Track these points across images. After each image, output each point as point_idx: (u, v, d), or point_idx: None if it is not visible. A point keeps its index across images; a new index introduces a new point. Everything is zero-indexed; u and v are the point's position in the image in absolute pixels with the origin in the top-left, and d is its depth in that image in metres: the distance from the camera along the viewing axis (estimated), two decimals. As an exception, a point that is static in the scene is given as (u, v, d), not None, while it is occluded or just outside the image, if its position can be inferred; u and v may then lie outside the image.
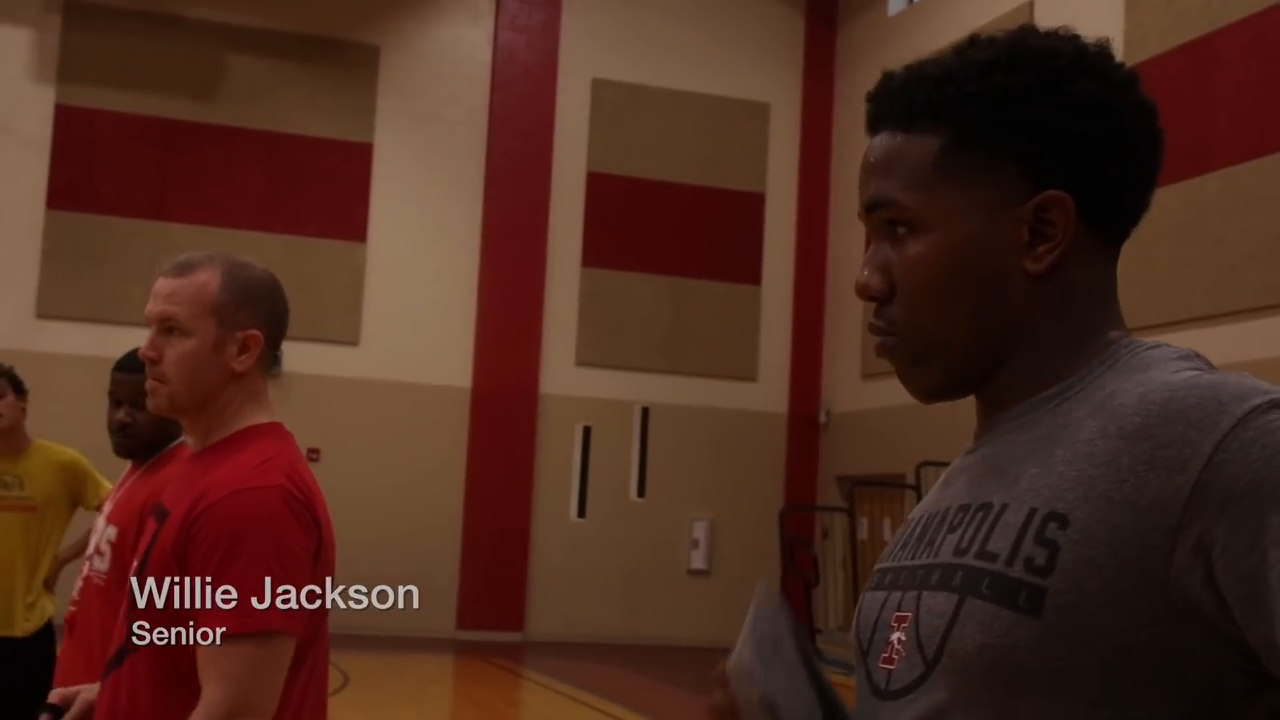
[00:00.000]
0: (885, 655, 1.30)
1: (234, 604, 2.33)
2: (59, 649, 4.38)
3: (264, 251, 17.36)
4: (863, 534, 17.54)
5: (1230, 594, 1.08)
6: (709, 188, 20.22)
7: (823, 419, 20.47)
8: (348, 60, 19.10)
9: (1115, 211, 1.32)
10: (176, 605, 2.39)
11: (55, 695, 2.72)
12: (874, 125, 1.41)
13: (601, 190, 19.86)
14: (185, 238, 17.62)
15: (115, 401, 4.07)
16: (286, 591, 2.37)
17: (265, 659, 2.37)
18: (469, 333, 19.20)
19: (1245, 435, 1.10)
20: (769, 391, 20.45)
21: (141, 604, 2.43)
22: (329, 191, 18.84)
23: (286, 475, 2.50)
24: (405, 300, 18.20)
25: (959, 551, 1.25)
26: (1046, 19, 15.17)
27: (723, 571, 19.80)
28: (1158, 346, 1.30)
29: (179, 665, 2.41)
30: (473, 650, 17.26)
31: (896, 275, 1.35)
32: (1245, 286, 12.60)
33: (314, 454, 16.48)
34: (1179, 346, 1.30)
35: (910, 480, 15.11)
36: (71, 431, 5.21)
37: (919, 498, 13.54)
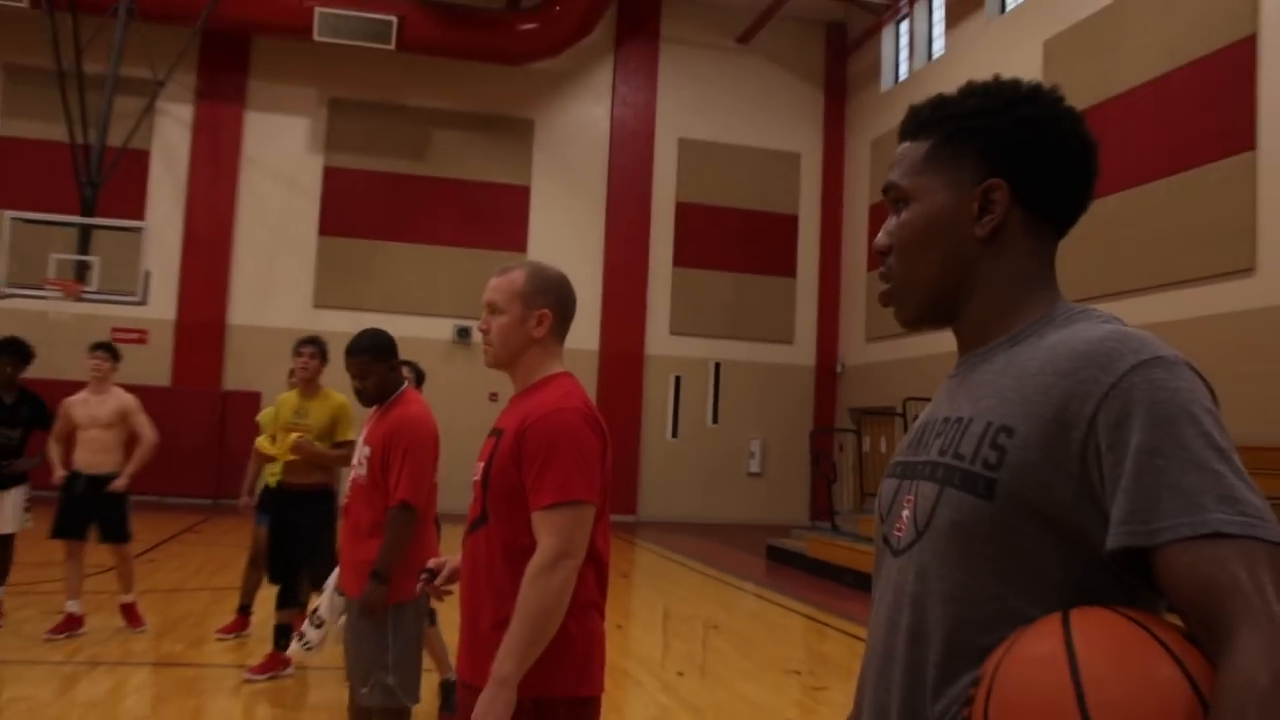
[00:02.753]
0: (897, 525, 1.32)
1: (556, 484, 2.36)
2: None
3: (457, 261, 18.86)
4: (866, 448, 17.60)
5: (1106, 487, 1.11)
6: (759, 211, 20.59)
7: (839, 369, 20.73)
8: (512, 130, 19.77)
9: (1047, 201, 1.31)
10: (514, 488, 2.42)
11: (431, 562, 2.72)
12: (899, 138, 1.41)
13: (686, 214, 20.33)
14: (406, 252, 19.01)
15: (350, 374, 4.20)
16: (587, 474, 2.40)
17: (578, 519, 2.38)
18: (597, 313, 19.55)
19: (1133, 379, 1.11)
20: (801, 351, 20.80)
21: (488, 491, 2.46)
22: (501, 219, 19.52)
23: (581, 400, 2.51)
24: None
25: (941, 452, 1.26)
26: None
27: (771, 474, 20.36)
28: (1086, 310, 1.29)
29: (513, 535, 2.42)
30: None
31: (894, 237, 1.36)
32: (1130, 274, 12.71)
33: (493, 397, 17.68)
34: (1103, 311, 1.28)
35: (899, 410, 14.74)
36: (338, 387, 5.48)
37: (905, 424, 13.61)
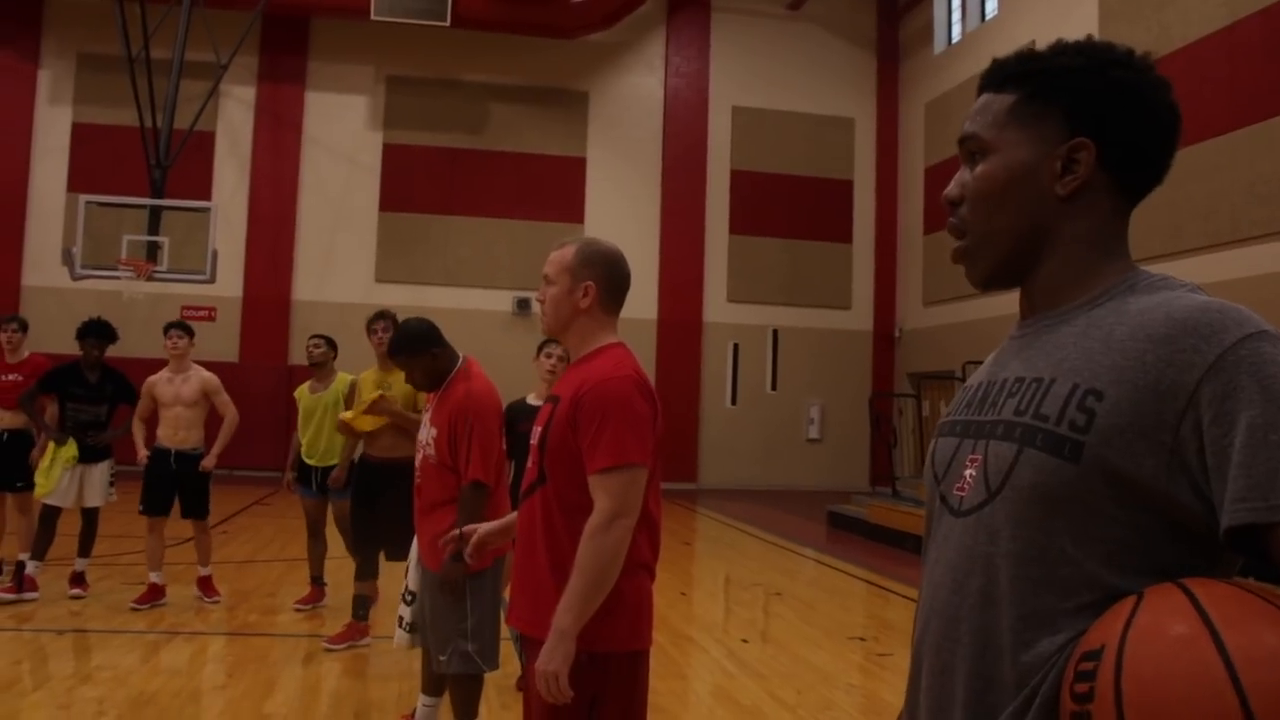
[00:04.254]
0: (959, 485, 1.27)
1: (611, 447, 2.45)
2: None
3: (514, 233, 18.91)
4: (926, 412, 17.69)
5: (1210, 461, 1.07)
6: (814, 177, 20.37)
7: (897, 334, 20.55)
8: (568, 102, 19.75)
9: (1131, 166, 1.28)
10: (570, 452, 2.51)
11: (466, 529, 2.91)
12: (979, 90, 1.37)
13: (741, 182, 20.17)
14: (465, 226, 19.10)
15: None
16: (640, 438, 2.50)
17: (632, 480, 2.46)
18: (654, 282, 19.61)
19: (1240, 352, 1.08)
20: (859, 316, 20.63)
21: (545, 454, 2.56)
22: (558, 190, 19.52)
23: (634, 368, 2.59)
24: None
25: (1019, 412, 1.22)
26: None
27: (830, 439, 20.23)
28: (1166, 278, 1.25)
29: (569, 495, 2.51)
30: (663, 494, 18.34)
31: (968, 188, 1.32)
32: (1193, 234, 12.43)
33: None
34: (1183, 280, 1.25)
35: (958, 374, 14.65)
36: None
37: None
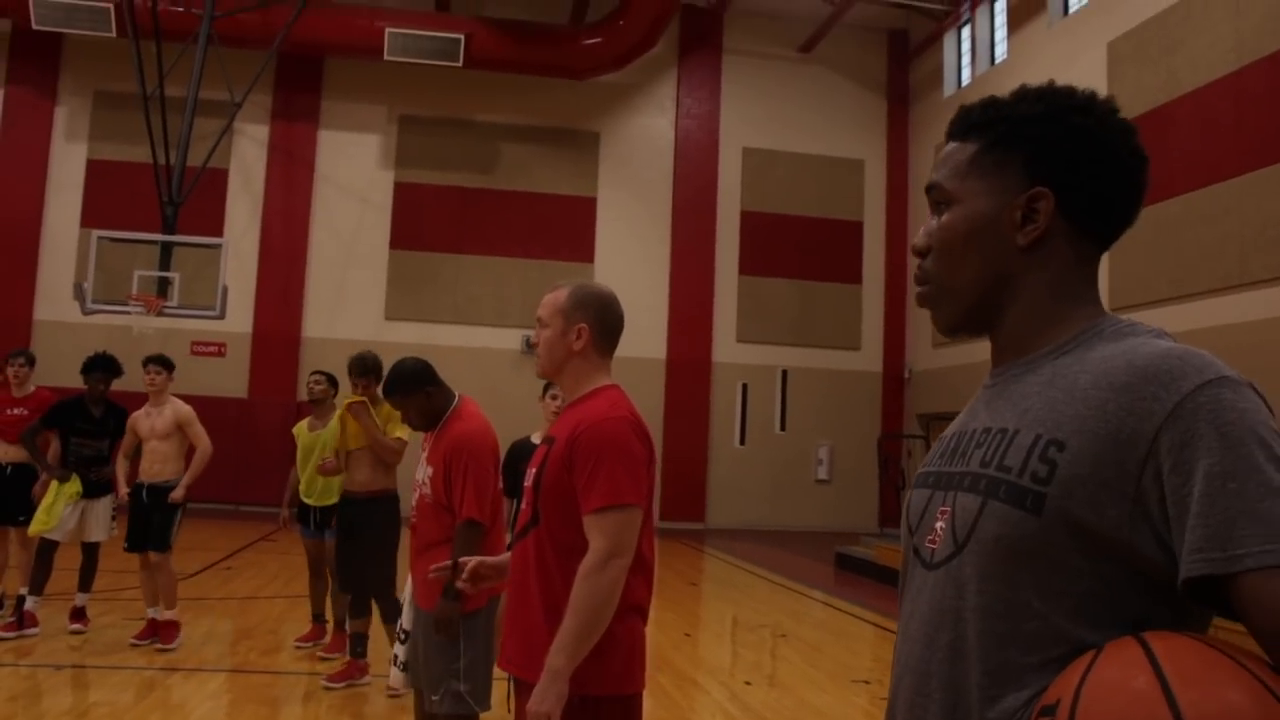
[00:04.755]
0: (930, 537, 1.26)
1: (606, 488, 2.45)
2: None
3: (525, 272, 18.94)
4: None
5: (1170, 511, 1.05)
6: (824, 218, 20.41)
7: (906, 375, 20.49)
8: (578, 143, 19.83)
9: (1093, 213, 1.25)
10: (564, 492, 2.51)
11: (461, 560, 2.89)
12: (947, 137, 1.36)
13: (751, 223, 20.21)
14: (475, 265, 19.14)
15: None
16: (635, 479, 2.49)
17: (627, 521, 2.46)
18: (664, 322, 19.63)
19: (1199, 399, 1.06)
20: (869, 357, 20.55)
21: (540, 495, 2.56)
22: (568, 229, 19.58)
23: (629, 410, 2.60)
24: (621, 301, 16.95)
25: (984, 464, 1.20)
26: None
27: (839, 480, 20.09)
28: (1133, 324, 1.24)
29: (563, 536, 2.52)
30: (670, 534, 17.45)
31: (934, 238, 1.32)
32: (1201, 277, 12.41)
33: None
34: (1152, 326, 1.23)
35: None
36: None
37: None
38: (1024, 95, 1.31)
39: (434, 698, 3.98)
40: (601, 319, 2.69)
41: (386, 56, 17.54)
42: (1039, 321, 1.28)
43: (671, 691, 6.57)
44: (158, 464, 7.12)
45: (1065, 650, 1.11)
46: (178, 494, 7.03)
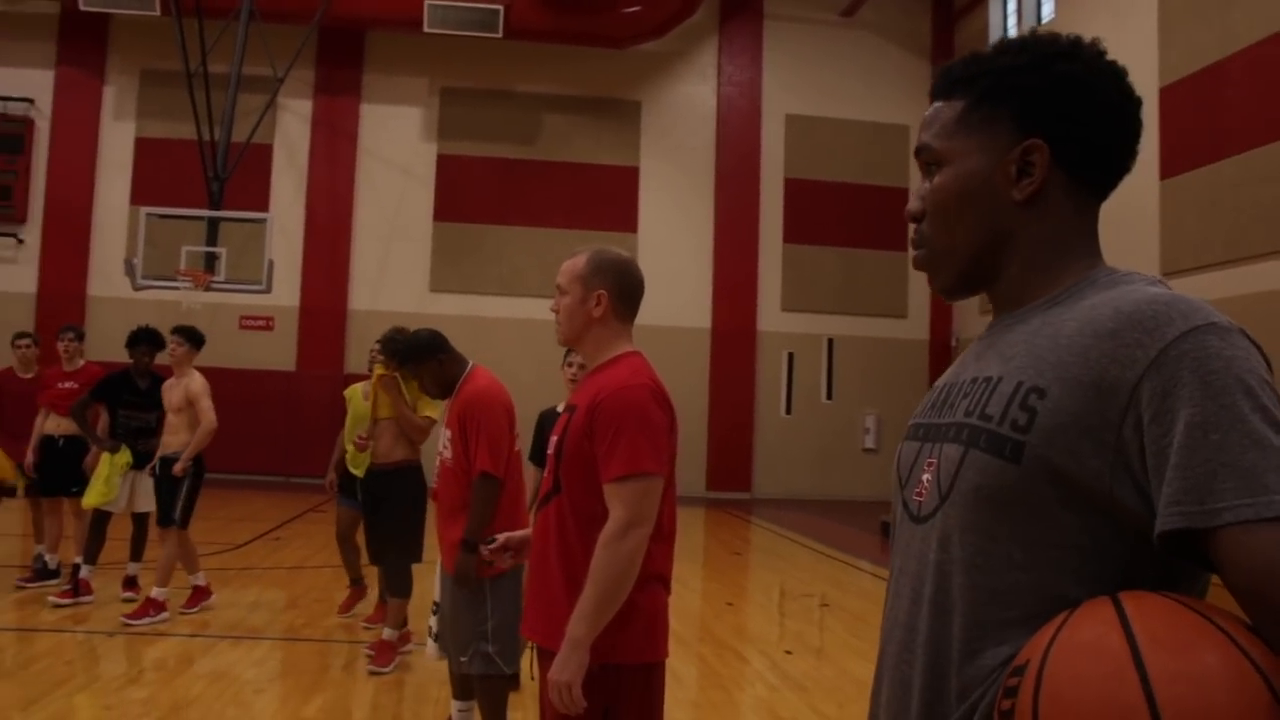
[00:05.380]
0: (917, 490, 1.24)
1: (626, 456, 2.44)
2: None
3: (568, 243, 18.37)
4: None
5: (1150, 462, 1.03)
6: (867, 185, 20.05)
7: (954, 343, 20.22)
8: (620, 112, 19.77)
9: (1089, 161, 1.22)
10: (585, 461, 2.51)
11: (501, 538, 2.89)
12: (932, 96, 1.34)
13: (795, 190, 20.03)
14: (518, 236, 19.13)
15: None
16: (655, 448, 2.49)
17: (646, 490, 2.45)
18: (708, 291, 19.58)
19: (1184, 346, 1.03)
20: (915, 325, 20.33)
21: (561, 463, 2.56)
22: (611, 199, 19.52)
23: (649, 377, 2.58)
24: (665, 270, 17.84)
25: (968, 413, 1.19)
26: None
27: (886, 449, 19.61)
28: (1130, 273, 1.21)
29: (585, 505, 2.51)
30: (716, 504, 17.68)
31: (927, 201, 1.30)
32: (1257, 240, 12.03)
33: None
34: (1149, 275, 1.20)
35: None
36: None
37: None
38: (1006, 47, 1.28)
39: (462, 659, 4.06)
40: (620, 285, 2.66)
41: (426, 29, 17.53)
42: (1036, 274, 1.25)
43: (711, 660, 6.61)
44: (169, 435, 7.14)
45: (1048, 606, 1.08)
46: (179, 467, 6.95)
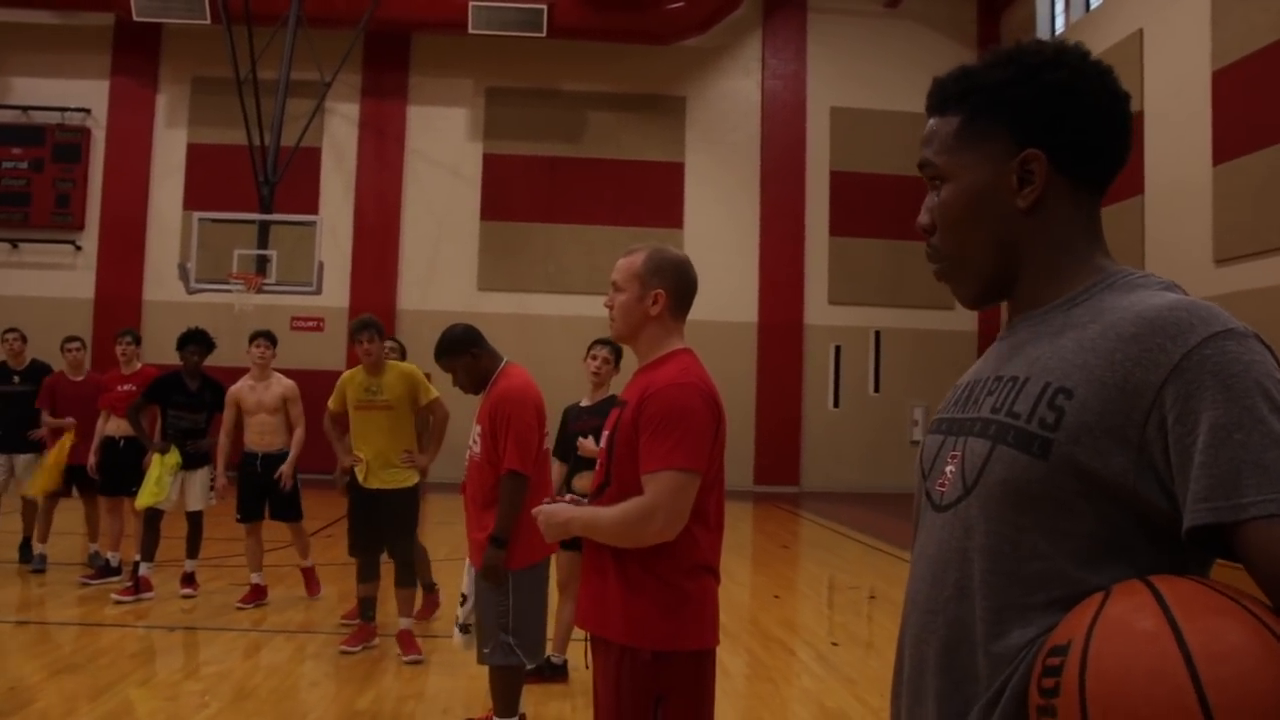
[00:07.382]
0: (940, 481, 1.29)
1: (664, 450, 2.48)
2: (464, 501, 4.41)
3: (614, 240, 18.72)
4: None
5: (1174, 460, 1.08)
6: (914, 177, 18.60)
7: (1001, 334, 20.57)
8: (665, 108, 19.84)
9: (1086, 165, 1.27)
10: (635, 455, 2.54)
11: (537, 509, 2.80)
12: (928, 112, 1.38)
13: (840, 183, 20.00)
14: (565, 234, 19.28)
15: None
16: (698, 446, 2.51)
17: (680, 484, 2.47)
18: (754, 285, 19.62)
19: (1205, 351, 1.08)
20: (962, 316, 20.02)
21: (612, 455, 2.61)
22: (656, 195, 19.60)
23: (698, 377, 2.61)
24: (712, 265, 17.06)
25: (994, 410, 1.23)
26: (1154, 48, 15.23)
27: None
28: (1145, 275, 1.26)
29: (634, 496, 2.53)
30: (765, 498, 17.73)
31: (935, 216, 1.34)
32: None
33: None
34: (1162, 277, 1.25)
35: None
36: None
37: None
38: (994, 60, 1.33)
39: (484, 650, 4.14)
40: (677, 284, 2.70)
41: (471, 30, 17.69)
42: (1049, 276, 1.30)
43: (758, 651, 6.64)
44: (269, 434, 7.47)
45: (1069, 591, 1.14)
46: (288, 479, 7.35)
